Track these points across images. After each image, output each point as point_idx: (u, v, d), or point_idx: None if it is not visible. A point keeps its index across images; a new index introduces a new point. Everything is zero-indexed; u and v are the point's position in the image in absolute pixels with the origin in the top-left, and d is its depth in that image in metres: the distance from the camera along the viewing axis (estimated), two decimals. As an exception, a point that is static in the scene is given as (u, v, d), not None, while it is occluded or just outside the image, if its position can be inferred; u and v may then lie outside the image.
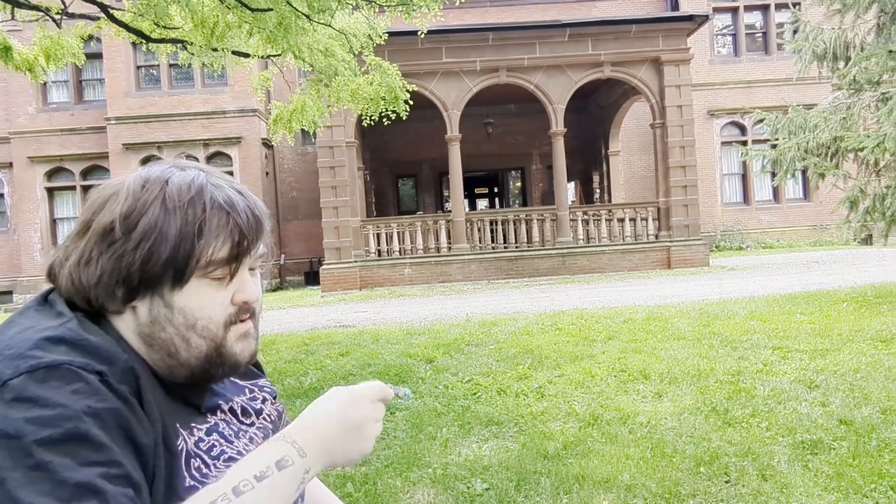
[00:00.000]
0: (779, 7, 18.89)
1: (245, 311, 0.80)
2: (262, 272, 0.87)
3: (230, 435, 0.82)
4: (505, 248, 14.29)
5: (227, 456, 0.79)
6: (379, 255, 14.14)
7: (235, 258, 0.76)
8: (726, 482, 2.80)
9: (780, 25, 18.59)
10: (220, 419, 0.84)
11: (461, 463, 3.18)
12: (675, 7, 18.52)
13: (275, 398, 0.96)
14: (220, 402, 0.86)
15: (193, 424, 0.79)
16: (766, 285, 9.51)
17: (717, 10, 18.97)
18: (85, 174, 18.17)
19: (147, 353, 0.76)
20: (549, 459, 3.14)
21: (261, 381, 0.96)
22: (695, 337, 5.69)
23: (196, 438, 0.77)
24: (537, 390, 4.37)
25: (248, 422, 0.88)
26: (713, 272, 12.67)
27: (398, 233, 14.22)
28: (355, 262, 13.73)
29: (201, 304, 0.75)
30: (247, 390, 0.92)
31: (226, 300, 0.77)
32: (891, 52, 6.67)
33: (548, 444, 3.33)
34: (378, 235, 14.25)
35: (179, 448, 0.74)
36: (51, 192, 18.25)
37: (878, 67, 7.20)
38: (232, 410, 0.87)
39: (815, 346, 5.07)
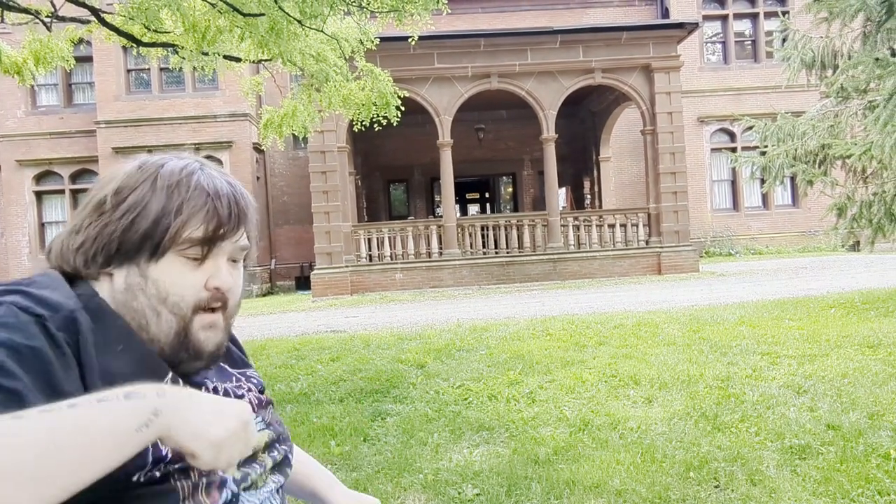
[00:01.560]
0: (768, 15, 19.10)
1: (216, 300, 0.81)
2: (246, 266, 0.88)
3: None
4: (496, 253, 14.30)
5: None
6: (370, 260, 14.12)
7: (210, 240, 0.80)
8: (715, 487, 2.81)
9: (770, 33, 18.78)
10: None
11: (452, 468, 3.17)
12: (666, 15, 18.66)
13: (262, 391, 0.97)
14: (207, 381, 0.88)
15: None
16: (756, 291, 9.57)
17: (706, 17, 19.14)
18: (74, 178, 18.05)
19: None
20: (540, 465, 3.14)
21: (249, 372, 0.97)
22: (685, 342, 5.72)
23: None
24: (528, 396, 4.38)
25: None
26: (703, 278, 12.74)
27: (389, 238, 14.21)
28: (346, 266, 13.70)
29: (174, 279, 0.78)
30: (234, 378, 0.93)
31: (199, 283, 0.80)
32: (877, 59, 6.75)
33: (538, 450, 3.33)
34: (369, 240, 14.23)
35: None
36: (39, 195, 18.11)
37: (864, 75, 7.28)
38: (216, 391, 0.88)
39: (803, 351, 5.11)
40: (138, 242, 0.77)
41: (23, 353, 0.64)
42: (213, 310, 0.81)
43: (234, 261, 0.84)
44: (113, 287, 0.78)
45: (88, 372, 0.69)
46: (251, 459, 0.84)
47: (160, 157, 0.83)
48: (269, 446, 0.90)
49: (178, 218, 0.77)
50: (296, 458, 1.03)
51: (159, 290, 0.78)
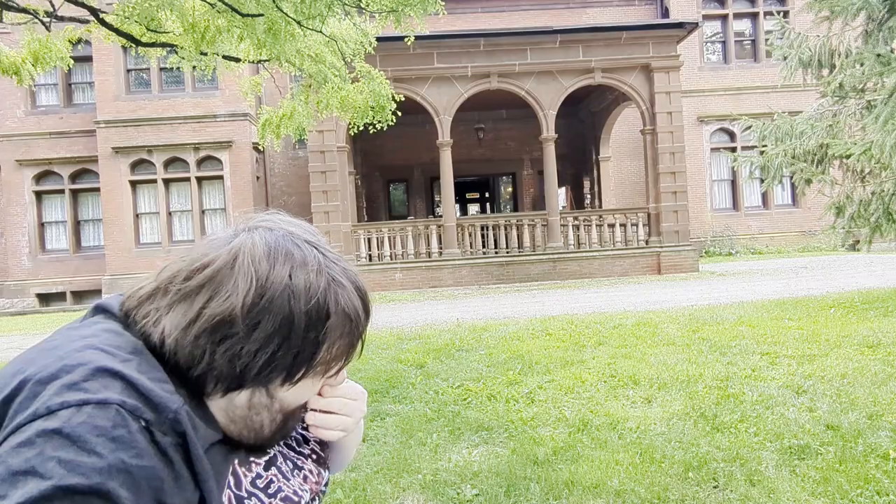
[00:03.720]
0: (768, 15, 19.08)
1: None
2: None
3: (287, 472, 0.82)
4: (496, 253, 14.30)
5: (283, 494, 0.78)
6: (370, 259, 14.12)
7: (344, 359, 0.78)
8: (714, 487, 2.81)
9: (769, 33, 18.77)
10: (277, 451, 0.83)
11: (451, 469, 3.17)
12: (666, 14, 18.66)
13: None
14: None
15: (252, 459, 0.78)
16: (755, 291, 9.57)
17: (706, 17, 19.13)
18: (74, 178, 18.05)
19: (226, 424, 0.74)
20: (539, 465, 3.14)
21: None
22: (684, 342, 5.72)
23: (253, 475, 0.77)
24: (527, 396, 4.37)
25: (302, 450, 0.87)
26: (703, 278, 12.73)
27: (389, 238, 14.21)
28: (346, 266, 13.67)
29: (302, 395, 0.78)
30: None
31: (318, 386, 0.80)
32: (879, 55, 6.75)
33: (538, 450, 3.33)
34: (369, 240, 14.23)
35: (234, 493, 0.74)
36: (39, 195, 18.09)
37: (865, 72, 7.27)
38: (286, 442, 0.86)
39: (802, 351, 5.11)
40: (275, 375, 0.72)
41: (136, 477, 0.60)
42: None
43: None
44: (231, 402, 0.73)
45: (203, 480, 0.67)
46: None
47: (282, 251, 0.73)
48: None
49: (320, 348, 0.73)
50: None
51: (283, 406, 0.76)
